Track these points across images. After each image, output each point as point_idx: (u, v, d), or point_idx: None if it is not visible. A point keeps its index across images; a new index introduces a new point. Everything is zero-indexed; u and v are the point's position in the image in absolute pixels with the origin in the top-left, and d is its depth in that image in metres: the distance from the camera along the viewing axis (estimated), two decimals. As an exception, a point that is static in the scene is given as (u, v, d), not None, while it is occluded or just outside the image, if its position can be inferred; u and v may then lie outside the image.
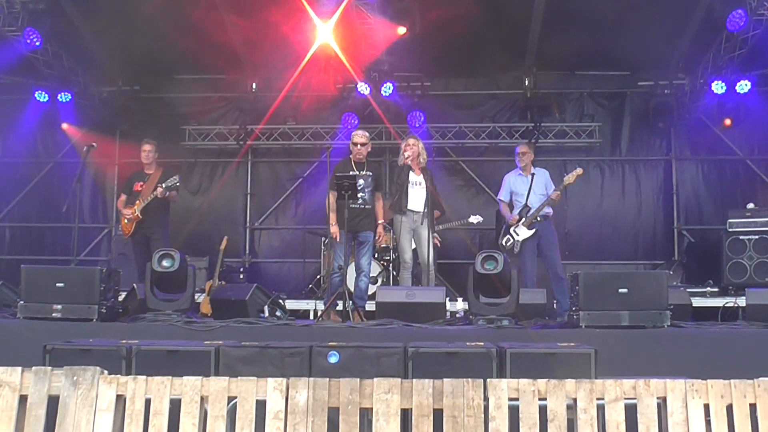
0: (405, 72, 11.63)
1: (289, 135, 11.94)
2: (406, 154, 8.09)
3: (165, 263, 6.86)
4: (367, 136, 8.25)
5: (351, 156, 8.16)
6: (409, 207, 8.07)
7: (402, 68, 11.41)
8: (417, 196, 8.10)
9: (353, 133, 8.36)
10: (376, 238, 8.14)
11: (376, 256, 10.03)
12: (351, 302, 7.43)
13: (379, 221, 8.14)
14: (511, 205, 8.70)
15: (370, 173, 8.06)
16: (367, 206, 7.90)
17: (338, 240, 7.82)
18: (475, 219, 9.03)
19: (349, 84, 11.60)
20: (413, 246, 8.28)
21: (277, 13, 9.89)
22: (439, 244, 8.91)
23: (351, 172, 7.90)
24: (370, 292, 9.16)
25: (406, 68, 11.53)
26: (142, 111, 12.10)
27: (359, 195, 7.82)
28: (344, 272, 7.78)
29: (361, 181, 7.88)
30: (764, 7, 8.92)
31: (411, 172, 8.13)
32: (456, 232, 10.96)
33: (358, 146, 8.07)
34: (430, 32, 10.01)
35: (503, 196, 8.78)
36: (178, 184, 8.58)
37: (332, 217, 7.97)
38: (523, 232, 8.41)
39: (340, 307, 7.42)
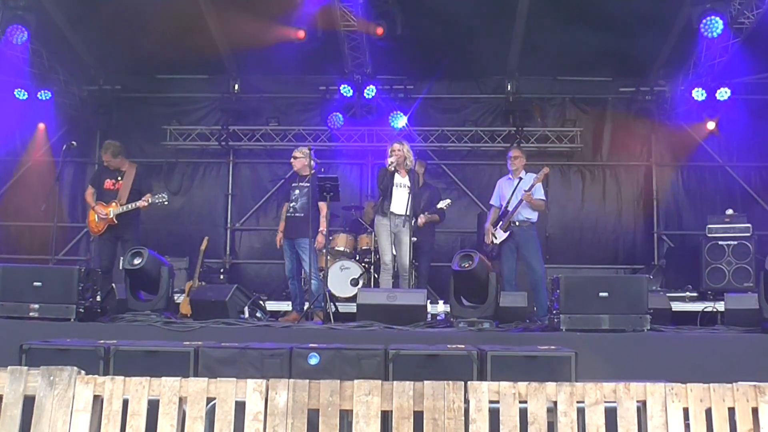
0: (388, 75, 11.66)
1: (271, 136, 11.91)
2: (390, 160, 8.14)
3: (135, 261, 6.91)
4: (305, 152, 8.38)
5: None
6: (391, 210, 8.11)
7: (385, 71, 11.43)
8: (399, 199, 8.12)
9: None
10: (314, 244, 8.17)
11: (357, 258, 10.03)
12: (332, 304, 7.48)
13: (320, 229, 8.22)
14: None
15: (308, 185, 8.19)
16: (298, 214, 8.13)
17: (278, 246, 8.40)
18: (443, 203, 8.76)
19: (332, 86, 11.60)
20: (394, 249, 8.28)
21: (260, 13, 9.88)
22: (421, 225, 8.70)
23: (293, 183, 8.35)
24: (351, 294, 9.18)
25: (389, 71, 11.55)
26: (123, 110, 12.03)
27: (291, 204, 8.19)
28: (325, 274, 7.83)
29: (296, 192, 8.19)
30: (744, 16, 9.01)
31: (396, 175, 8.19)
32: (437, 236, 10.93)
33: (293, 159, 8.45)
34: (414, 36, 10.01)
35: (493, 200, 8.80)
36: (166, 203, 8.27)
37: (280, 225, 8.41)
38: (499, 235, 8.41)
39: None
